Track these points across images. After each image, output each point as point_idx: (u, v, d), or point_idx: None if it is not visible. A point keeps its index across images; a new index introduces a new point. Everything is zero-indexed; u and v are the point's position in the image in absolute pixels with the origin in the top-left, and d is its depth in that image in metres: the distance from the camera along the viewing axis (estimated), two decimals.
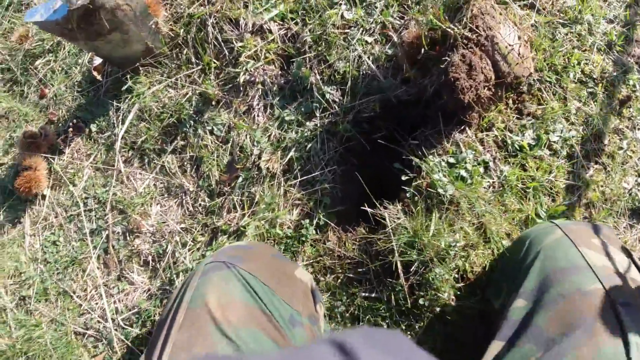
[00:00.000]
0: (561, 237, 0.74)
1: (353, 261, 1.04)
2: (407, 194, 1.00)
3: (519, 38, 1.03)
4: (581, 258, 0.68)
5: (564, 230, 0.76)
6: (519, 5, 1.15)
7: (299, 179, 1.10)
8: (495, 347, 0.67)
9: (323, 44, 1.14)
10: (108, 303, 1.26)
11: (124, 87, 1.33)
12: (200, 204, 1.18)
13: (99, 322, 1.25)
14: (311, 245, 1.08)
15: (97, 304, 1.27)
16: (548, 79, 1.09)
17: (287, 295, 0.76)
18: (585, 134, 1.09)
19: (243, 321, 0.65)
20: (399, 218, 0.99)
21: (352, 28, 1.14)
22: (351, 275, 1.04)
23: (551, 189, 1.05)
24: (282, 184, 1.11)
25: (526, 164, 1.04)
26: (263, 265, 0.77)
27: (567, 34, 1.15)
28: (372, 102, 1.06)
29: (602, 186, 1.09)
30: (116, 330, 1.23)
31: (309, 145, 1.10)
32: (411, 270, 0.96)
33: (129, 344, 1.21)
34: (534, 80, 1.08)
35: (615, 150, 1.11)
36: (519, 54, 1.01)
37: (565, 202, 1.06)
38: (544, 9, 1.16)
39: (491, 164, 1.02)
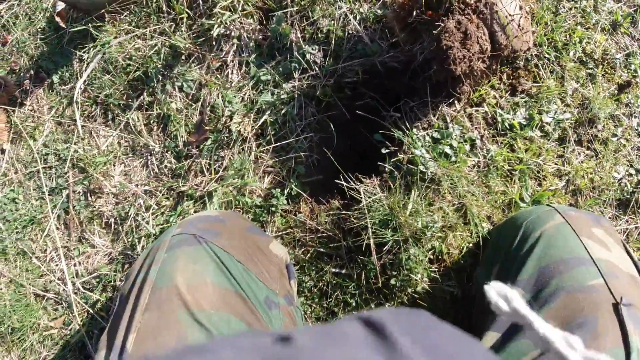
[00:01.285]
0: (561, 224, 0.71)
1: (324, 235, 0.99)
2: (386, 169, 0.95)
3: (521, 8, 0.96)
4: (583, 249, 0.65)
5: (565, 217, 0.72)
6: None
7: (273, 145, 1.04)
8: (490, 338, 0.64)
9: None
10: (68, 266, 1.21)
11: (89, 36, 1.24)
12: (166, 166, 1.12)
13: (58, 284, 1.19)
14: (281, 216, 1.03)
15: (57, 265, 1.22)
16: (547, 56, 1.03)
17: (263, 274, 0.73)
18: (579, 117, 1.04)
19: (216, 305, 0.61)
20: (375, 194, 0.94)
21: None
22: (322, 249, 1.00)
23: (538, 172, 1.01)
24: (253, 149, 1.05)
25: (515, 145, 0.99)
26: (237, 241, 0.73)
27: (571, 9, 1.09)
28: (355, 67, 0.99)
29: (591, 174, 1.05)
30: (75, 294, 1.18)
31: (285, 109, 1.03)
32: (384, 249, 0.92)
33: (89, 308, 1.16)
34: (531, 55, 1.02)
35: (609, 137, 1.07)
36: (519, 25, 0.95)
37: (551, 187, 1.02)
38: None
39: (478, 142, 0.98)
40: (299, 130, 1.03)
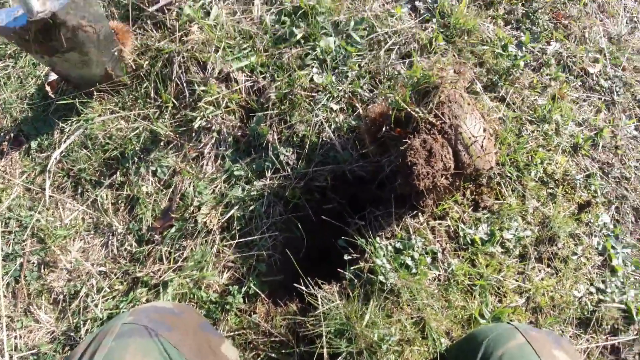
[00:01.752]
0: (523, 344, 0.71)
1: (278, 340, 0.97)
2: (347, 276, 0.96)
3: (485, 130, 1.03)
4: None
5: (526, 337, 0.73)
6: (490, 97, 1.17)
7: (237, 240, 1.04)
8: None
9: (287, 103, 1.12)
10: (8, 337, 1.15)
11: (74, 110, 1.28)
12: (125, 249, 1.11)
13: None
14: (236, 315, 1.01)
15: None
16: (509, 175, 1.09)
17: None
18: (540, 235, 1.08)
19: None
20: (333, 301, 0.93)
21: (320, 93, 1.13)
22: (274, 355, 0.97)
23: (499, 288, 1.02)
24: (217, 242, 1.05)
25: (476, 260, 1.01)
26: (189, 338, 0.71)
27: (533, 132, 1.16)
28: (326, 172, 1.02)
29: (552, 291, 1.06)
30: None
31: (254, 206, 1.05)
32: None
33: None
34: (494, 174, 1.08)
35: (569, 255, 1.10)
36: (482, 146, 1.01)
37: (512, 304, 1.02)
38: (513, 104, 1.17)
39: (440, 255, 0.99)
40: (264, 227, 1.04)
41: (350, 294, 0.93)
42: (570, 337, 1.08)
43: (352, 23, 1.20)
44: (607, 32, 1.50)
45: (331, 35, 1.19)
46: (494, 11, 1.32)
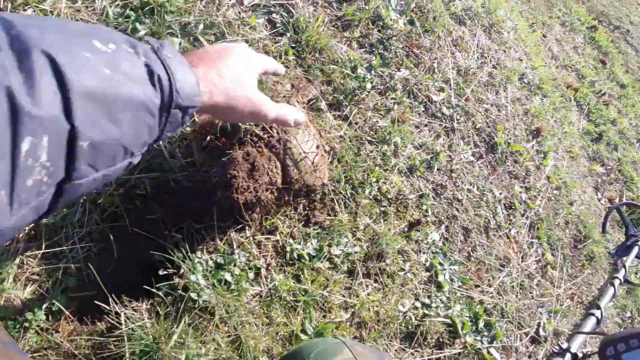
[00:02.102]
0: (349, 359, 0.72)
1: None
2: (161, 292, 0.91)
3: (318, 147, 1.05)
4: None
5: (353, 352, 0.74)
6: (334, 115, 1.20)
7: (43, 251, 0.94)
8: None
9: None
10: None
11: None
12: None
13: None
14: (37, 333, 0.91)
15: None
16: (343, 192, 1.13)
17: None
18: (369, 251, 1.13)
19: None
20: (142, 319, 0.88)
21: None
22: None
23: (324, 304, 1.05)
24: (19, 252, 0.94)
25: (302, 275, 1.03)
26: None
27: (372, 151, 1.22)
28: (148, 180, 0.97)
29: (377, 306, 1.11)
30: None
31: (66, 212, 0.96)
32: None
33: None
34: (328, 190, 1.11)
35: (397, 271, 1.16)
36: (312, 162, 1.03)
37: (336, 319, 1.05)
38: (356, 123, 1.22)
39: (263, 270, 0.99)
40: (76, 238, 0.95)
41: (161, 312, 0.89)
42: (395, 351, 1.14)
43: (202, 26, 1.17)
44: (457, 64, 1.65)
45: (177, 36, 1.15)
46: (349, 33, 1.38)
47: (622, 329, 1.99)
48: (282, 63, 1.21)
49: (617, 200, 2.57)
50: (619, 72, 3.94)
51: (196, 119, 0.98)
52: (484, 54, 1.83)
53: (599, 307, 1.59)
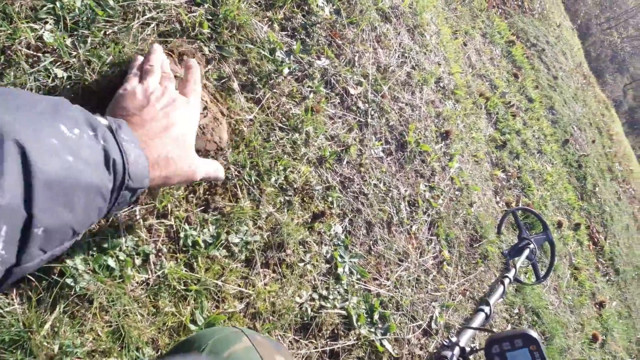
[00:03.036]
0: (249, 348, 0.73)
1: None
2: (33, 277, 0.83)
3: (205, 109, 1.00)
4: None
5: (252, 341, 0.75)
6: (246, 97, 1.18)
7: None
8: None
9: (3, 59, 0.93)
10: None
11: None
12: None
13: None
14: None
15: None
16: (247, 178, 1.11)
17: None
18: (270, 240, 1.13)
19: None
20: (12, 305, 0.80)
21: (47, 54, 0.97)
22: None
23: (218, 293, 1.03)
24: None
25: (195, 263, 1.00)
26: None
27: (282, 139, 1.22)
28: None
29: (274, 297, 1.12)
30: None
31: None
32: None
33: None
34: (232, 174, 1.09)
35: (296, 262, 1.18)
36: (199, 126, 0.99)
37: (229, 309, 1.04)
38: (268, 108, 1.21)
39: (153, 257, 0.95)
40: None
41: (33, 298, 0.81)
42: (289, 342, 1.16)
43: None
44: (377, 60, 1.70)
45: None
46: (272, 13, 1.35)
47: (509, 325, 2.23)
48: (196, 36, 1.16)
49: (513, 205, 2.85)
50: (529, 87, 4.35)
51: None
52: (405, 54, 1.90)
53: (488, 304, 1.74)
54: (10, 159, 0.38)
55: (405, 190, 1.61)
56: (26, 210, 0.40)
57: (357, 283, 1.35)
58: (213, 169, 0.84)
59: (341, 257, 1.30)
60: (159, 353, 0.96)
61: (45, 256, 0.46)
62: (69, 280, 0.83)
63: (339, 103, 1.43)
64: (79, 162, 0.46)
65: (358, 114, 1.47)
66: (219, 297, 1.03)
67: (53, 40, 1.00)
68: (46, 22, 1.01)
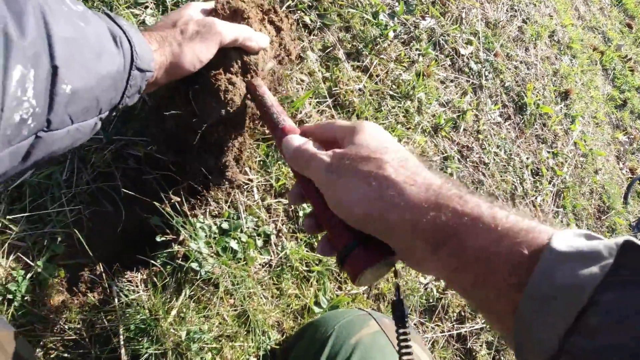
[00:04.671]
0: (377, 333, 0.66)
1: (72, 338, 0.78)
2: (159, 262, 0.79)
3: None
4: None
5: (380, 324, 0.68)
6: (353, 66, 1.04)
7: (27, 213, 0.82)
8: None
9: None
10: None
11: None
12: None
13: None
14: (23, 306, 0.80)
15: None
16: None
17: None
18: None
19: None
20: (137, 292, 0.76)
21: None
22: (67, 355, 0.78)
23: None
24: (1, 214, 0.82)
25: (315, 243, 0.90)
26: None
27: (394, 107, 1.07)
28: (143, 140, 0.83)
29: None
30: None
31: (51, 172, 0.83)
32: None
33: None
34: None
35: None
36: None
37: (352, 291, 0.93)
38: (377, 76, 1.06)
39: (273, 237, 0.86)
40: (64, 199, 0.83)
41: (158, 284, 0.77)
42: (415, 325, 1.03)
43: None
44: (485, 16, 1.46)
45: None
46: None
47: None
48: (296, 6, 1.04)
49: (639, 171, 2.41)
50: None
51: None
52: (513, 7, 1.63)
53: None
54: (30, 12, 0.37)
55: (527, 158, 1.37)
56: (50, 62, 0.39)
57: None
58: (244, 33, 0.65)
59: None
60: (284, 336, 0.88)
61: (73, 128, 0.44)
62: (194, 265, 0.77)
63: (449, 65, 1.24)
64: (89, 28, 0.44)
65: (471, 76, 1.27)
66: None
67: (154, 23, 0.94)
68: (147, 7, 0.96)
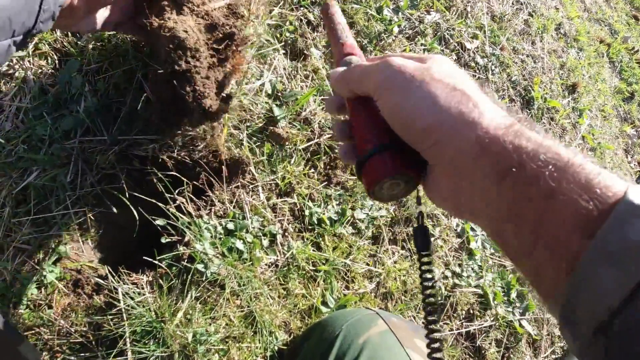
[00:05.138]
0: (385, 332, 0.65)
1: (78, 341, 0.77)
2: (164, 263, 0.77)
3: None
4: None
5: (388, 324, 0.66)
6: None
7: (32, 216, 0.81)
8: None
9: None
10: None
11: None
12: None
13: None
14: (29, 308, 0.79)
15: None
16: None
17: None
18: (396, 214, 0.97)
19: None
20: (142, 294, 0.74)
21: None
22: (73, 358, 0.77)
23: (347, 273, 0.90)
24: (6, 218, 0.80)
25: (322, 242, 0.88)
26: None
27: None
28: (147, 141, 0.81)
29: (404, 275, 0.97)
30: None
31: (56, 174, 0.82)
32: None
33: None
34: None
35: None
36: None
37: (360, 290, 0.91)
38: None
39: (279, 237, 0.84)
40: (68, 202, 0.81)
41: (164, 286, 0.75)
42: (424, 324, 1.01)
43: None
44: (491, 9, 1.42)
45: None
46: None
47: None
48: (299, 2, 1.02)
49: None
50: None
51: None
52: (519, 0, 1.59)
53: None
54: None
55: None
56: None
57: (490, 258, 1.14)
58: None
59: (473, 230, 1.09)
60: (292, 337, 0.86)
61: None
62: (199, 266, 0.75)
63: (455, 60, 1.20)
64: None
65: (477, 70, 1.23)
66: (348, 277, 0.90)
67: None
68: None
